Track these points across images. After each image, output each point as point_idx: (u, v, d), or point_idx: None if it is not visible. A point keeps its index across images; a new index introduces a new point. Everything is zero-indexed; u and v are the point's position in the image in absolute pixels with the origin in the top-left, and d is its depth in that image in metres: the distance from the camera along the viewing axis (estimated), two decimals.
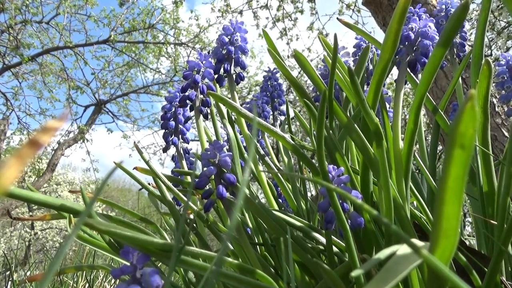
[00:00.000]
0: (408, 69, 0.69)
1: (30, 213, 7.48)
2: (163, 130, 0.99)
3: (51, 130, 0.19)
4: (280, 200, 1.12)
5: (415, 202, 0.79)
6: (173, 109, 0.98)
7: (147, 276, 0.39)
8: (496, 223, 0.57)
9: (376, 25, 3.40)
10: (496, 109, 2.44)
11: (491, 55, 5.64)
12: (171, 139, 0.98)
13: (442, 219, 0.28)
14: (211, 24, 6.95)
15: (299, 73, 6.53)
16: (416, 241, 0.36)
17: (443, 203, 0.28)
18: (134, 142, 0.76)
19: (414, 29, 0.67)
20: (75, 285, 1.35)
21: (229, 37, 0.81)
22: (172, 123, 0.97)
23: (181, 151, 0.97)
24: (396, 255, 0.34)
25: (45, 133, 0.20)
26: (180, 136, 0.98)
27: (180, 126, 0.97)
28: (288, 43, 6.73)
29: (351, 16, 6.16)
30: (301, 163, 0.89)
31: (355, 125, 0.57)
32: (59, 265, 0.18)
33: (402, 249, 0.35)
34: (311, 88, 1.15)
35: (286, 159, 0.93)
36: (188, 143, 1.02)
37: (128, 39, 6.95)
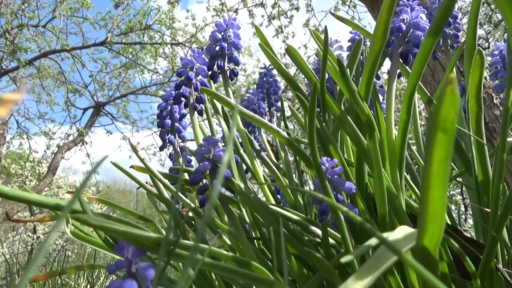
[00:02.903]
0: (401, 60, 0.69)
1: (33, 217, 7.48)
2: (160, 129, 0.99)
3: (8, 103, 0.19)
4: (279, 196, 1.12)
5: (413, 196, 0.80)
6: (169, 108, 0.99)
7: (142, 270, 0.40)
8: (489, 210, 0.57)
9: (372, 20, 3.40)
10: (494, 101, 2.44)
11: (488, 47, 5.64)
12: (167, 137, 0.98)
13: (429, 203, 0.28)
14: (207, 23, 6.95)
15: (296, 70, 6.53)
16: (406, 227, 0.37)
17: (428, 187, 0.28)
18: (129, 140, 0.76)
19: (405, 20, 0.68)
20: (76, 286, 1.36)
21: (222, 33, 0.81)
22: (168, 121, 0.97)
23: (178, 149, 0.97)
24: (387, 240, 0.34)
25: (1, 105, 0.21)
26: (176, 134, 0.98)
27: (177, 124, 0.97)
28: (284, 41, 6.73)
29: (347, 12, 6.15)
30: (297, 157, 0.89)
31: (348, 117, 0.57)
32: (43, 256, 0.18)
33: (393, 235, 0.35)
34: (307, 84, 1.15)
35: (282, 154, 0.94)
36: (185, 141, 1.03)
37: (125, 41, 6.95)
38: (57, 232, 0.21)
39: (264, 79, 1.35)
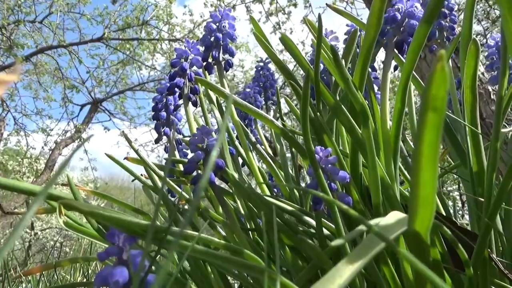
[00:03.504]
0: (396, 50, 0.69)
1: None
2: (155, 122, 0.98)
3: (3, 83, 0.19)
4: (276, 190, 1.12)
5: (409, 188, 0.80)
6: (164, 100, 0.98)
7: (133, 257, 0.39)
8: (483, 199, 0.57)
9: None
10: (492, 96, 2.44)
11: (486, 43, 5.63)
12: (163, 130, 0.97)
13: (419, 187, 0.28)
14: (205, 19, 6.92)
15: (294, 66, 6.52)
16: (398, 213, 0.36)
17: (419, 169, 0.27)
18: (123, 131, 0.76)
19: (400, 10, 0.67)
20: (72, 279, 1.36)
21: (217, 24, 0.81)
22: (164, 113, 0.96)
23: (173, 142, 0.97)
24: (379, 225, 0.34)
25: None
26: (172, 126, 0.97)
27: (172, 116, 0.96)
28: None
29: (345, 8, 6.14)
30: (293, 149, 0.89)
31: (342, 106, 0.56)
32: (19, 235, 0.18)
33: (385, 220, 0.35)
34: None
35: (278, 147, 0.93)
36: (180, 134, 1.02)
37: (122, 37, 6.92)
38: (33, 213, 0.21)
39: (261, 72, 1.34)
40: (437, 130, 0.25)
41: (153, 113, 0.97)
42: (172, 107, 0.95)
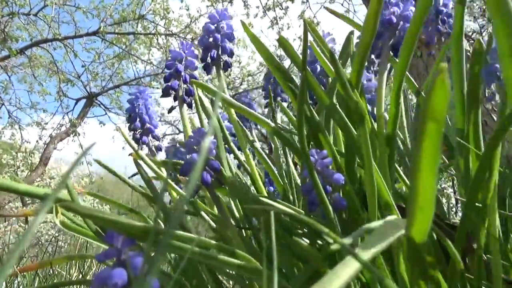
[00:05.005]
0: (391, 53, 0.69)
1: (24, 208, 7.42)
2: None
3: None
4: (271, 188, 1.12)
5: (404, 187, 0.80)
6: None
7: (131, 259, 0.40)
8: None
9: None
10: (486, 94, 2.45)
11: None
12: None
13: (418, 193, 0.29)
14: (202, 14, 6.89)
15: (290, 63, 6.51)
16: (394, 217, 0.37)
17: (418, 177, 0.28)
18: (119, 128, 0.76)
19: (395, 13, 0.68)
20: (68, 276, 1.36)
21: (215, 25, 0.81)
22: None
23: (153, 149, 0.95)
24: (380, 225, 0.34)
25: None
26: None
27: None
28: (279, 33, 6.69)
29: (342, 4, 6.14)
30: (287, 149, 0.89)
31: (337, 107, 0.57)
32: (28, 242, 0.18)
33: (382, 224, 0.36)
34: None
35: (273, 145, 0.94)
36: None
37: (118, 31, 6.87)
38: (39, 221, 0.21)
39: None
40: (436, 140, 0.26)
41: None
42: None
